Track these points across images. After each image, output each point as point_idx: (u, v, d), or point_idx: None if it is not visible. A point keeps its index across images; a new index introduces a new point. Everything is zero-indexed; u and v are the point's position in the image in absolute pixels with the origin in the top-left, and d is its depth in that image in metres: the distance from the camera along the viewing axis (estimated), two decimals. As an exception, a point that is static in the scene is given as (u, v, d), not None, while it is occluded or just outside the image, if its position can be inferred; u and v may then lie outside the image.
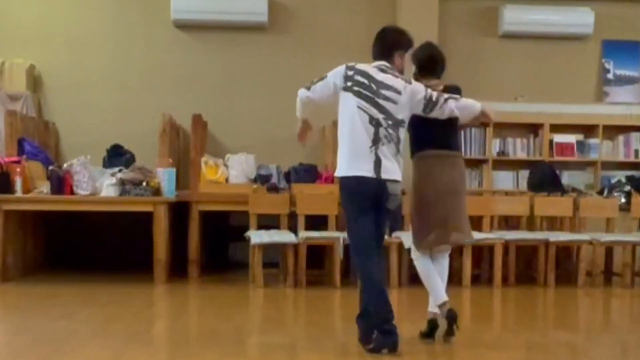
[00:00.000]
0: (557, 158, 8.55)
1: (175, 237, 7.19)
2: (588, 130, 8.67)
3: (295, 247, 6.66)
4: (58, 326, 4.74)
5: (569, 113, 8.64)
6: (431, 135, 4.33)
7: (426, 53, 4.49)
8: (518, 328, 5.13)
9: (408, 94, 4.12)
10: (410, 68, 4.50)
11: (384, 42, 4.24)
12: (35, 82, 8.37)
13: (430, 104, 4.18)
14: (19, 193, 6.69)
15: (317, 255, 7.06)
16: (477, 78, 8.57)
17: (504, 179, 8.60)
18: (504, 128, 8.55)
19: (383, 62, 4.20)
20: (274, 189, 7.26)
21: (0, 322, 5.12)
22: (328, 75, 4.18)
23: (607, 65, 8.92)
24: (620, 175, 8.47)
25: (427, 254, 4.43)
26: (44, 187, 6.81)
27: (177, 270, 7.19)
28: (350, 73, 4.12)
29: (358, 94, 4.08)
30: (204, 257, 7.55)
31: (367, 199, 4.06)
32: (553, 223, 7.68)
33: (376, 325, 3.96)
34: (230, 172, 7.48)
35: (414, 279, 6.99)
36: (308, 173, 7.57)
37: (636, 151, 8.69)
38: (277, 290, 6.60)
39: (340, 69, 4.16)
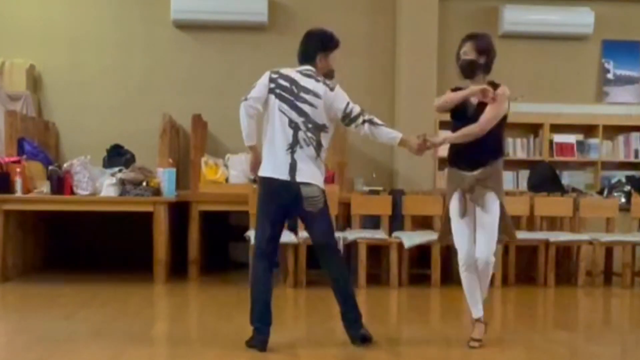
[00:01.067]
0: (557, 158, 8.55)
1: (175, 237, 7.19)
2: (588, 130, 8.68)
3: (295, 247, 6.66)
4: (58, 326, 4.74)
5: (569, 113, 8.65)
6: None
7: (494, 47, 4.43)
8: (518, 328, 5.13)
9: (328, 99, 4.14)
10: (467, 52, 4.38)
11: (306, 46, 4.27)
12: (35, 82, 8.37)
13: (347, 118, 4.20)
14: (19, 193, 6.69)
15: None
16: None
17: (504, 179, 8.59)
18: (504, 128, 8.53)
19: (307, 67, 4.23)
20: (274, 189, 7.25)
21: (0, 322, 5.13)
22: (258, 82, 4.25)
23: (607, 65, 8.92)
24: (620, 175, 8.48)
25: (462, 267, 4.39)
26: (44, 187, 6.81)
27: (177, 270, 7.19)
28: (274, 76, 4.21)
29: (280, 97, 4.15)
30: (204, 257, 7.55)
31: (279, 201, 4.14)
32: (553, 223, 7.68)
33: (251, 323, 4.16)
34: (230, 172, 7.48)
35: (414, 279, 7.02)
36: (308, 173, 7.56)
37: (636, 151, 8.70)
38: (277, 290, 6.56)
39: (266, 74, 4.25)
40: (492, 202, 4.31)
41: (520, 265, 7.38)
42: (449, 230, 4.45)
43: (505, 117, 4.41)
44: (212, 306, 5.79)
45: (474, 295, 4.36)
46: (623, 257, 7.16)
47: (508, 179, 8.62)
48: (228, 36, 8.52)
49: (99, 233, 7.97)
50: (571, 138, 8.64)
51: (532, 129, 8.64)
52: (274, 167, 4.14)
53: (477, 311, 4.36)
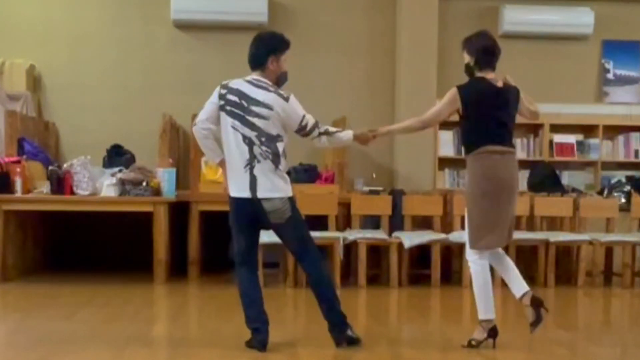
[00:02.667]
0: (557, 158, 8.55)
1: (175, 237, 7.19)
2: (588, 130, 8.67)
3: (295, 247, 6.65)
4: (58, 326, 4.74)
5: (569, 113, 8.65)
6: (492, 132, 4.23)
7: (481, 44, 4.38)
8: (518, 328, 5.12)
9: (283, 110, 4.09)
10: (464, 57, 4.38)
11: (255, 52, 4.21)
12: (35, 82, 8.37)
13: (302, 131, 4.19)
14: (19, 193, 6.70)
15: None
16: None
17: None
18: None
19: (256, 76, 4.19)
20: (274, 189, 7.25)
21: (0, 322, 5.13)
22: (208, 100, 4.28)
23: (607, 66, 8.92)
24: (620, 175, 8.48)
25: (485, 256, 4.35)
26: (44, 187, 6.81)
27: (177, 270, 7.19)
28: (223, 92, 4.18)
29: (231, 114, 4.12)
30: (204, 257, 7.54)
31: (244, 219, 4.22)
32: (553, 223, 7.68)
33: (248, 326, 4.19)
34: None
35: (414, 279, 7.02)
36: (308, 173, 7.57)
37: (636, 151, 8.69)
38: (277, 290, 6.60)
39: (216, 90, 4.24)
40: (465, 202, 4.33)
41: (520, 265, 7.37)
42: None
43: (462, 116, 4.32)
44: (212, 306, 5.79)
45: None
46: (623, 257, 7.16)
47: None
48: (228, 36, 8.51)
49: (99, 233, 7.96)
50: (571, 138, 8.63)
51: (532, 129, 8.64)
52: (236, 186, 4.16)
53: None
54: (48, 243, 7.70)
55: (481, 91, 4.31)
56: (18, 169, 6.73)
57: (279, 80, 4.24)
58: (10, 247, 6.76)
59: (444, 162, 8.45)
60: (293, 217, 4.18)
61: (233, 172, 4.16)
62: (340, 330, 4.22)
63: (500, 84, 4.37)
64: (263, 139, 4.07)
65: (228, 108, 4.12)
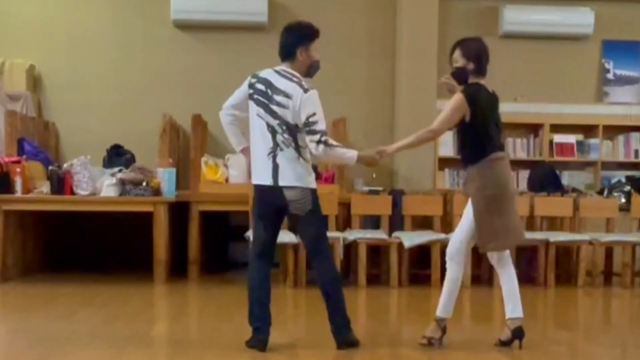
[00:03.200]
0: (557, 158, 8.55)
1: (175, 237, 7.19)
2: (588, 130, 8.68)
3: (295, 247, 6.66)
4: (58, 326, 4.74)
5: (569, 113, 8.65)
6: (495, 137, 4.33)
7: (480, 49, 4.37)
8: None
9: (298, 100, 4.03)
10: (455, 60, 4.36)
11: (284, 43, 4.18)
12: (35, 82, 8.37)
13: (308, 127, 4.04)
14: (19, 193, 6.70)
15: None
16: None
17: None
18: (504, 128, 8.52)
19: (283, 67, 4.17)
20: (274, 189, 7.25)
21: (0, 322, 5.12)
22: (239, 88, 4.28)
23: (607, 66, 8.92)
24: (620, 175, 8.48)
25: (463, 263, 4.41)
26: (44, 187, 6.81)
27: (177, 270, 7.19)
28: (253, 81, 4.18)
29: (257, 102, 4.12)
30: (204, 257, 7.55)
31: (266, 206, 4.16)
32: (553, 223, 7.68)
33: (250, 324, 4.17)
34: (230, 172, 7.48)
35: (414, 279, 7.02)
36: (308, 173, 7.56)
37: (636, 151, 8.70)
38: (277, 290, 6.56)
39: (247, 80, 4.23)
40: (468, 206, 4.33)
41: (520, 265, 7.38)
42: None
43: (469, 122, 4.30)
44: (212, 306, 5.79)
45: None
46: (623, 257, 7.16)
47: (508, 179, 8.62)
48: (228, 36, 8.51)
49: (99, 233, 7.96)
50: (571, 138, 8.64)
51: (532, 129, 8.64)
52: (258, 174, 4.15)
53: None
54: (48, 243, 7.70)
55: (484, 97, 4.34)
56: (18, 169, 6.73)
57: (311, 70, 4.21)
58: (10, 247, 6.76)
59: (444, 162, 8.45)
60: (313, 211, 4.15)
61: (256, 160, 4.15)
62: (343, 333, 4.21)
63: (490, 89, 4.39)
64: (284, 128, 4.06)
65: (255, 96, 4.14)
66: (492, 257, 4.37)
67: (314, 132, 4.04)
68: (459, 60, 4.35)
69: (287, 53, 4.17)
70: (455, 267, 4.38)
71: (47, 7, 8.46)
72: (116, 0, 8.52)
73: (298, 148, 4.09)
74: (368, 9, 8.67)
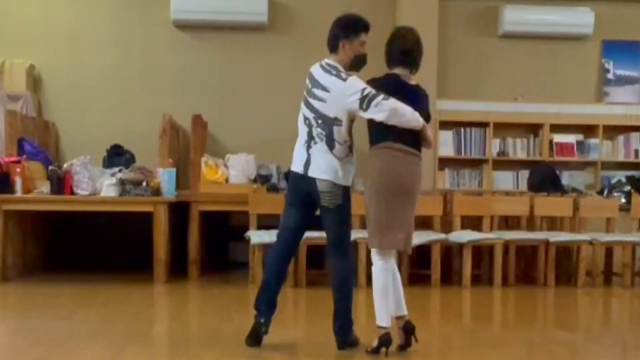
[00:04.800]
0: (557, 158, 8.55)
1: (175, 237, 7.19)
2: (588, 130, 8.68)
3: (295, 247, 6.65)
4: (58, 326, 4.74)
5: (569, 113, 8.64)
6: (395, 128, 4.03)
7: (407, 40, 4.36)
8: (518, 328, 5.13)
9: (339, 90, 4.04)
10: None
11: (330, 36, 4.23)
12: (35, 82, 8.37)
13: (365, 100, 3.97)
14: (19, 193, 6.69)
15: (317, 255, 7.05)
16: (477, 78, 8.58)
17: (504, 179, 8.61)
18: (504, 128, 8.55)
19: (327, 60, 4.20)
20: (274, 189, 7.26)
21: (0, 322, 5.12)
22: None
23: (607, 66, 8.92)
24: (620, 175, 8.47)
25: (393, 261, 4.12)
26: (44, 187, 6.81)
27: (177, 270, 7.19)
28: (308, 75, 4.25)
29: (303, 96, 4.21)
30: (204, 257, 7.55)
31: (297, 193, 4.24)
32: (553, 223, 7.68)
33: (255, 307, 4.26)
34: (230, 172, 7.48)
35: (414, 279, 7.02)
36: (308, 173, 7.56)
37: (636, 151, 8.70)
38: (277, 290, 6.59)
39: None
40: None
41: (520, 265, 7.39)
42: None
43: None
44: (212, 306, 5.79)
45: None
46: (623, 257, 7.16)
47: (508, 178, 8.63)
48: (228, 36, 8.52)
49: (99, 233, 7.96)
50: (571, 138, 8.64)
51: (532, 129, 8.64)
52: (295, 161, 4.24)
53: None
54: (48, 243, 7.70)
55: (395, 88, 4.24)
56: (18, 169, 6.73)
57: (356, 63, 4.23)
58: (10, 247, 6.76)
59: (444, 162, 8.45)
60: (342, 207, 4.16)
61: (296, 149, 4.25)
62: (345, 333, 4.22)
63: (413, 82, 4.33)
64: (319, 121, 4.10)
65: (304, 91, 4.23)
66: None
67: (374, 96, 3.97)
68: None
69: (331, 46, 4.22)
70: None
71: (47, 7, 8.46)
72: (116, 0, 8.52)
73: (330, 142, 4.09)
74: (368, 9, 8.61)
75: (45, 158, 7.42)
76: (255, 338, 4.21)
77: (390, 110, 3.98)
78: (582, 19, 8.64)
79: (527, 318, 5.62)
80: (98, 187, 6.80)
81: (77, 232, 7.98)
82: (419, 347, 4.29)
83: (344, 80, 4.08)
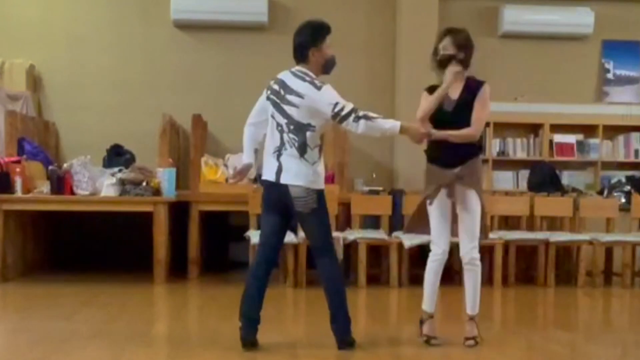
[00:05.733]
0: (557, 158, 8.56)
1: (175, 237, 7.19)
2: (588, 130, 8.68)
3: (295, 247, 6.66)
4: (58, 326, 4.74)
5: (569, 113, 8.65)
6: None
7: (473, 46, 4.47)
8: (518, 328, 5.13)
9: (313, 98, 4.09)
10: (445, 47, 4.45)
11: (297, 46, 4.25)
12: (35, 82, 8.37)
13: (338, 116, 4.09)
14: (19, 193, 6.69)
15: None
16: (477, 78, 8.56)
17: (504, 179, 8.61)
18: (504, 128, 8.56)
19: (299, 67, 4.23)
20: (274, 189, 7.25)
21: (1, 322, 5.12)
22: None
23: (607, 65, 8.92)
24: (620, 175, 8.48)
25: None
26: (44, 187, 6.81)
27: (177, 270, 7.19)
28: (271, 83, 4.27)
29: (272, 102, 4.22)
30: (204, 257, 7.55)
31: (271, 201, 4.26)
32: (553, 223, 7.68)
33: (239, 319, 4.22)
34: (230, 172, 7.47)
35: (414, 279, 7.01)
36: (308, 173, 7.56)
37: (636, 151, 8.70)
38: (277, 290, 6.60)
39: (269, 82, 4.30)
40: (473, 200, 4.32)
41: (520, 265, 7.39)
42: (419, 223, 4.49)
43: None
44: (212, 306, 5.79)
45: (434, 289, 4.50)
46: (623, 257, 7.16)
47: (508, 178, 8.64)
48: (228, 36, 8.52)
49: (99, 233, 7.97)
50: (571, 138, 8.64)
51: (532, 129, 8.65)
52: (265, 170, 4.26)
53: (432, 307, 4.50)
54: (48, 243, 7.70)
55: None
56: (18, 169, 6.73)
57: (327, 67, 4.28)
58: (10, 247, 6.76)
59: (443, 162, 8.43)
60: (318, 210, 4.18)
61: (267, 157, 4.26)
62: (343, 332, 4.22)
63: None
64: (292, 127, 4.13)
65: (271, 97, 4.22)
66: None
67: (347, 116, 4.08)
68: (449, 48, 4.43)
69: (300, 56, 4.24)
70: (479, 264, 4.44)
71: (47, 7, 8.46)
72: (116, 0, 8.52)
73: (301, 147, 4.12)
74: (368, 9, 8.67)
75: (45, 158, 7.43)
76: (249, 345, 4.16)
77: (361, 132, 4.14)
78: (582, 19, 8.64)
79: (527, 318, 5.62)
80: (98, 187, 6.80)
81: (77, 232, 7.97)
82: (419, 347, 4.29)
83: (318, 88, 4.12)
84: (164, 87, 8.44)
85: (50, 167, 6.96)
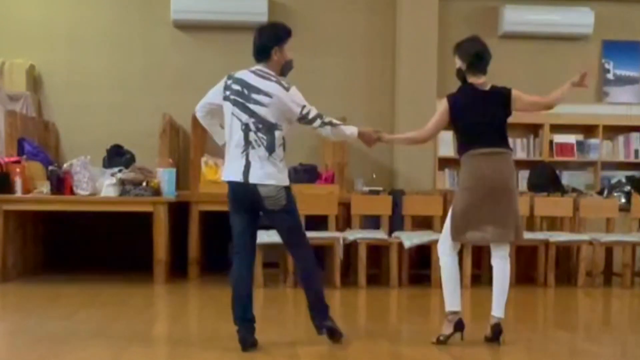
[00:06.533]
0: (557, 158, 8.56)
1: (175, 237, 7.19)
2: (588, 130, 8.68)
3: (295, 247, 6.65)
4: (58, 326, 4.74)
5: (569, 113, 8.64)
6: (478, 134, 4.38)
7: (473, 50, 4.48)
8: (518, 328, 5.13)
9: (282, 99, 4.14)
10: (455, 62, 4.51)
11: (259, 45, 4.25)
12: (35, 82, 8.37)
13: (304, 119, 4.23)
14: (19, 193, 6.70)
15: (317, 255, 7.03)
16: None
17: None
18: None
19: (260, 67, 4.24)
20: (274, 189, 7.25)
21: (0, 322, 5.12)
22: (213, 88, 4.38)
23: (607, 66, 8.92)
24: (620, 175, 8.48)
25: (455, 255, 4.54)
26: (44, 187, 6.81)
27: (177, 270, 7.19)
28: (229, 82, 4.26)
29: (233, 102, 4.20)
30: (204, 257, 7.54)
31: (238, 201, 4.28)
32: (553, 223, 7.68)
33: (234, 322, 4.25)
34: (230, 172, 7.47)
35: (414, 279, 7.02)
36: (308, 173, 7.57)
37: (636, 151, 8.70)
38: (277, 290, 6.60)
39: (223, 80, 4.30)
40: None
41: (520, 265, 7.38)
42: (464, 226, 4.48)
43: (453, 121, 4.52)
44: (212, 306, 5.79)
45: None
46: (623, 257, 7.16)
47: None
48: (228, 36, 8.51)
49: (99, 233, 7.96)
50: (571, 138, 8.64)
51: (532, 129, 8.64)
52: (230, 170, 4.25)
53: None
54: (48, 243, 7.70)
55: (468, 97, 4.47)
56: (18, 169, 6.73)
57: (284, 69, 4.31)
58: (10, 247, 6.76)
59: (444, 162, 8.45)
60: (287, 206, 4.23)
61: (230, 158, 4.25)
62: (321, 318, 4.29)
63: (487, 87, 4.51)
64: (260, 126, 4.14)
65: (232, 97, 4.21)
66: None
67: (313, 120, 4.23)
68: (457, 62, 4.54)
69: (261, 55, 4.25)
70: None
71: (47, 7, 8.46)
72: (116, 0, 8.52)
73: (270, 146, 4.15)
74: (368, 9, 8.67)
75: (45, 158, 7.42)
76: (248, 346, 4.16)
77: (325, 135, 4.37)
78: (582, 19, 8.64)
79: (527, 318, 5.62)
80: (98, 187, 6.80)
81: (77, 233, 7.97)
82: (419, 347, 4.29)
83: (287, 89, 4.18)
84: (164, 87, 8.43)
85: (50, 167, 6.96)
